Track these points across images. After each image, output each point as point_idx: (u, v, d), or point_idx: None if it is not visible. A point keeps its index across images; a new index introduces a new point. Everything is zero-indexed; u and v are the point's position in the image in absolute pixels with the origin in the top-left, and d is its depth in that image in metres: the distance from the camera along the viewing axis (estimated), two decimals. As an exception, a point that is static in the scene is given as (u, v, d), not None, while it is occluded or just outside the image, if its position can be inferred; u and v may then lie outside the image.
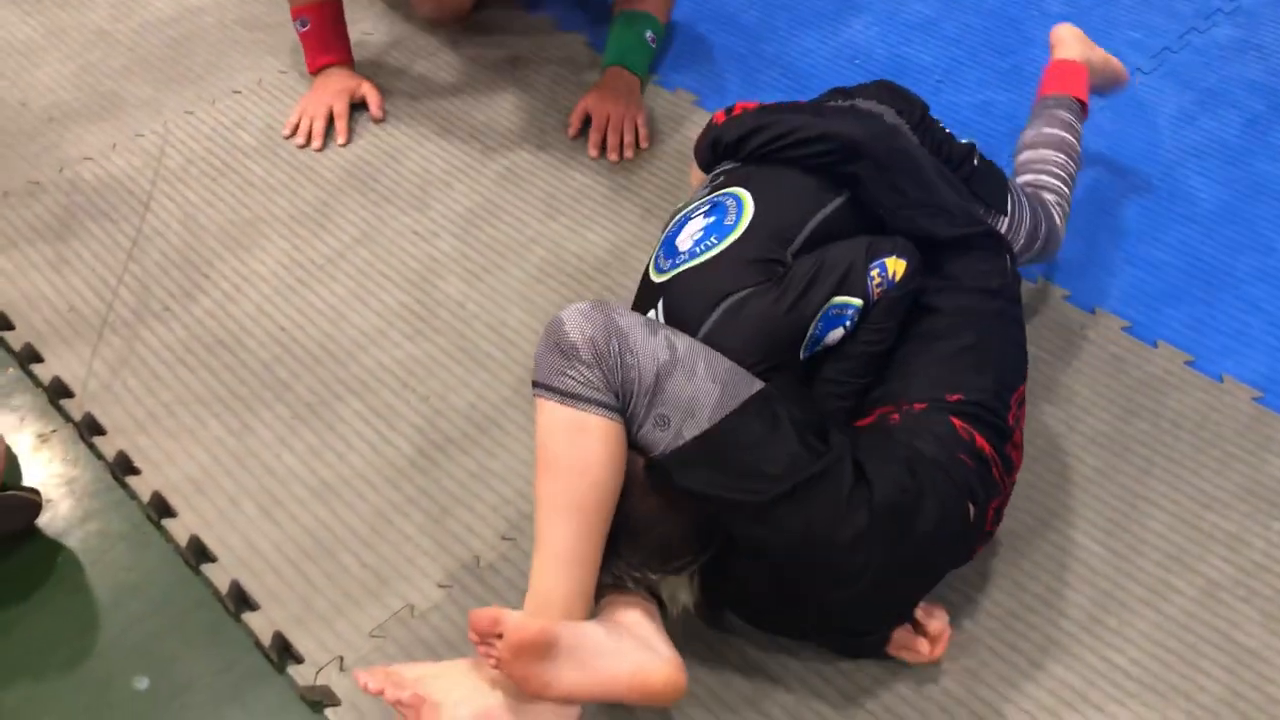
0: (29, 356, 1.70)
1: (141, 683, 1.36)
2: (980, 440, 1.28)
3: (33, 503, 1.48)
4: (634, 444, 1.23)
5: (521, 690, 1.14)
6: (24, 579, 1.46)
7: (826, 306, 1.31)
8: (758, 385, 1.24)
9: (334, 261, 1.83)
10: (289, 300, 1.77)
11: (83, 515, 1.52)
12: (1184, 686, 1.33)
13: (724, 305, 1.31)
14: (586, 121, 2.05)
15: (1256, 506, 1.51)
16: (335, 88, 2.07)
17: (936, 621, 1.31)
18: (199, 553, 1.47)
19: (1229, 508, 1.51)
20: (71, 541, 1.49)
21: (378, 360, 1.68)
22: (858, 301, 1.32)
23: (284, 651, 1.38)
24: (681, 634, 1.31)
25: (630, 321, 1.23)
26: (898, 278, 1.33)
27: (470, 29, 2.31)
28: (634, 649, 1.18)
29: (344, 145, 2.02)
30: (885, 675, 1.34)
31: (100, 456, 1.58)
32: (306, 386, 1.65)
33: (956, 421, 1.28)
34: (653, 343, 1.22)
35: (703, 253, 1.37)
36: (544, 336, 1.23)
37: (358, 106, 2.10)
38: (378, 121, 2.07)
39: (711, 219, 1.41)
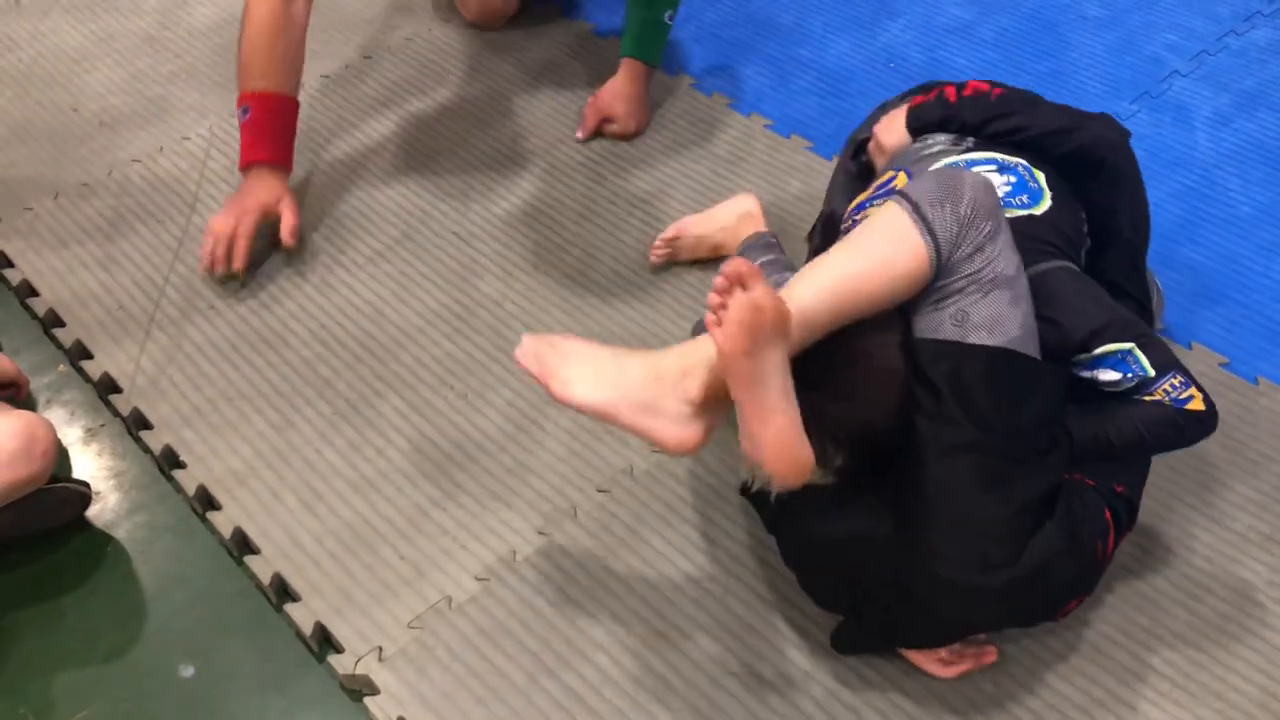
0: (79, 353, 1.75)
1: (187, 670, 1.39)
2: (1111, 538, 1.28)
3: (82, 495, 1.53)
4: (914, 313, 1.23)
5: (716, 381, 1.16)
6: (74, 569, 1.50)
7: (1127, 349, 1.28)
8: (1044, 362, 1.25)
9: (375, 261, 1.87)
10: (330, 299, 1.81)
11: (130, 508, 1.56)
12: (1216, 687, 1.33)
13: (1049, 265, 1.33)
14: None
15: (1292, 509, 1.51)
16: (250, 204, 1.81)
17: (967, 663, 1.33)
18: (242, 544, 1.51)
19: (1263, 509, 1.51)
20: (120, 533, 1.54)
21: (417, 358, 1.71)
22: (1149, 372, 1.27)
23: (324, 641, 1.41)
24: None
25: (1006, 226, 1.24)
26: (1165, 396, 1.28)
27: (509, 33, 2.35)
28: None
29: (239, 272, 1.80)
30: (912, 667, 1.35)
31: (147, 450, 1.62)
32: (347, 383, 1.69)
33: (1108, 514, 1.28)
34: (1011, 256, 1.23)
35: (1019, 207, 1.38)
36: (945, 172, 1.25)
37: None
38: (287, 247, 1.84)
39: (1013, 179, 1.42)
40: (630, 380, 1.19)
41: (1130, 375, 1.28)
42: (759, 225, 1.78)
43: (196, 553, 1.51)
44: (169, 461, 1.60)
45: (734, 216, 1.81)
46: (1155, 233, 1.80)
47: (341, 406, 1.65)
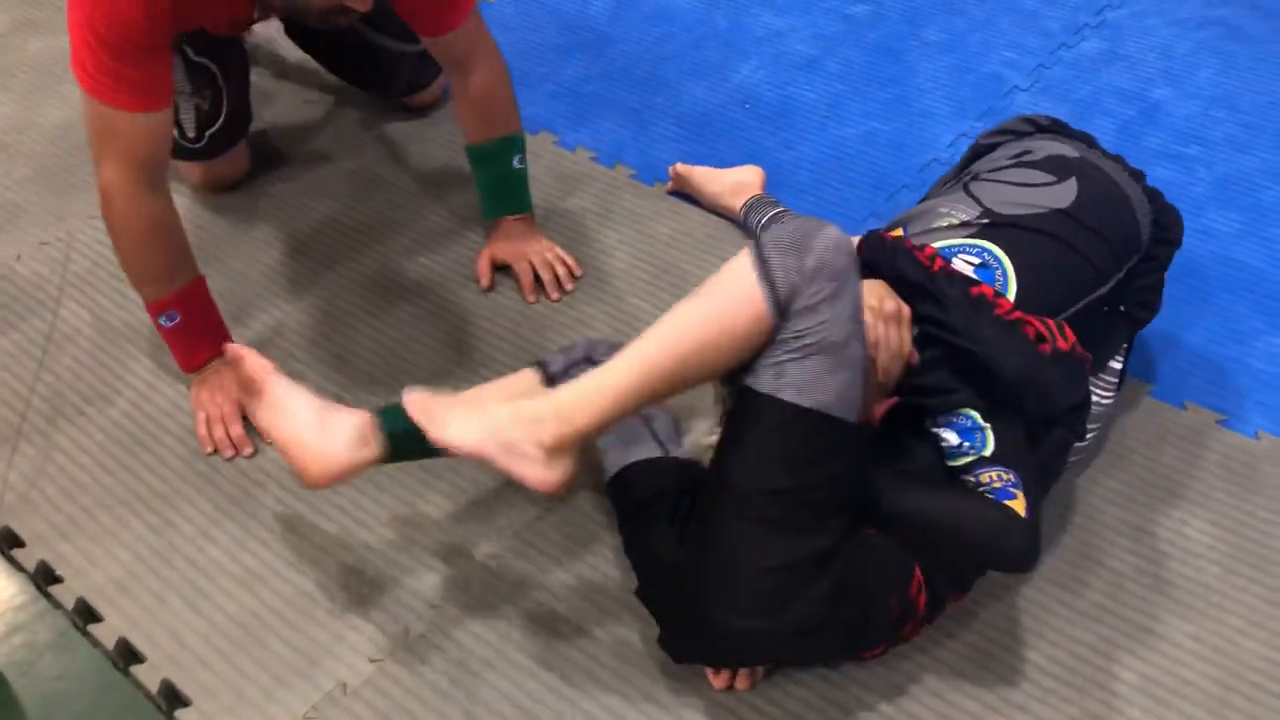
0: (-56, 476, 1.70)
1: (77, 792, 1.35)
2: (916, 591, 1.30)
3: (-45, 623, 1.48)
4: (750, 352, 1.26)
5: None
6: (-49, 700, 1.45)
7: (980, 424, 1.30)
8: (856, 426, 1.25)
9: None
10: (204, 393, 1.78)
11: (6, 630, 1.51)
12: (1099, 678, 1.38)
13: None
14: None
15: (1155, 497, 1.57)
16: (227, 391, 1.70)
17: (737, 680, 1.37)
18: (128, 654, 1.47)
19: (1131, 501, 1.57)
20: (-2, 657, 1.49)
21: (296, 443, 1.70)
22: (985, 452, 1.29)
23: (219, 744, 1.38)
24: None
25: (854, 292, 1.24)
26: (990, 483, 1.29)
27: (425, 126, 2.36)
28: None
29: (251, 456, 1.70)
30: (807, 679, 1.37)
31: (21, 569, 1.57)
32: (226, 477, 1.66)
33: (919, 570, 1.30)
34: (845, 325, 1.22)
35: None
36: (806, 223, 1.24)
37: None
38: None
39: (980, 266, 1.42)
40: (495, 422, 1.26)
41: (968, 446, 1.30)
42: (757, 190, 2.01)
43: (80, 668, 1.47)
44: (45, 577, 1.56)
45: (733, 183, 2.04)
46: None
47: (222, 502, 1.63)
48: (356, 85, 2.35)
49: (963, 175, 1.66)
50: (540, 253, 1.93)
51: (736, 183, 2.03)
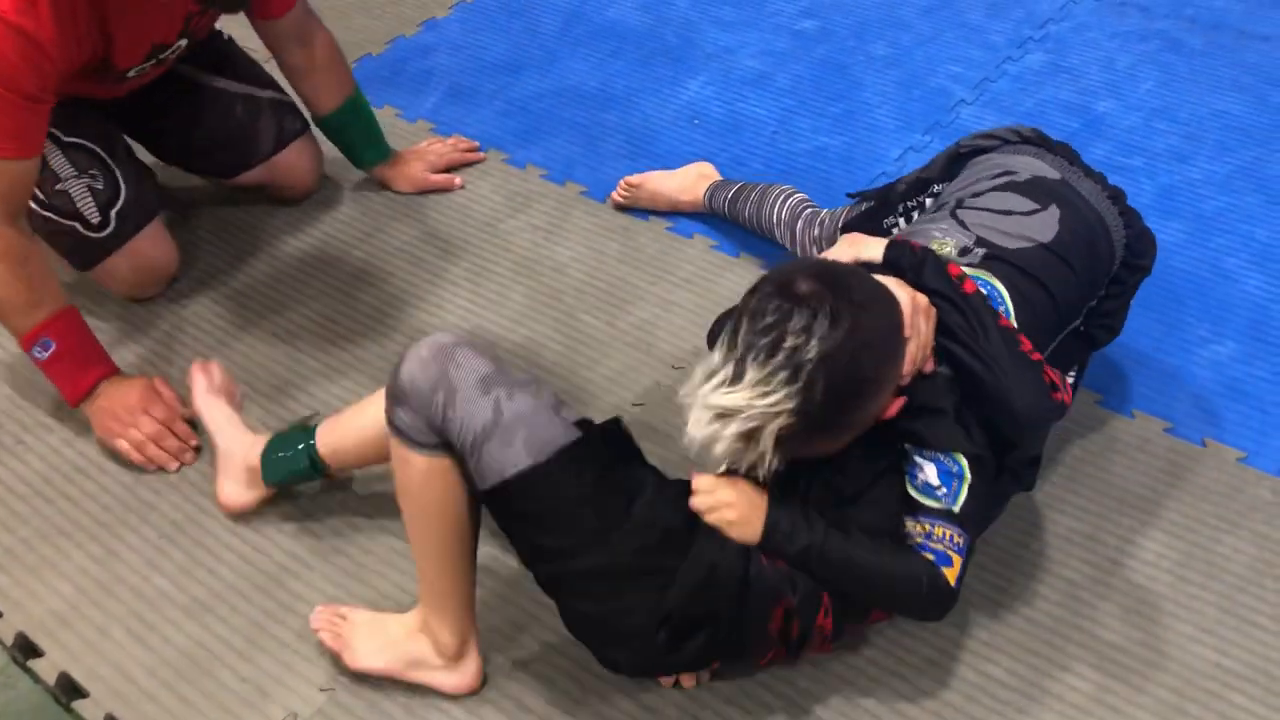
0: (-123, 509, 1.65)
1: (17, 834, 1.31)
2: (787, 607, 1.27)
3: (-112, 661, 1.43)
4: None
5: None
6: (-115, 742, 1.40)
7: (964, 461, 1.27)
8: (570, 442, 1.23)
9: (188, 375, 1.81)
10: (148, 418, 1.75)
11: (-57, 667, 1.47)
12: (1055, 689, 1.38)
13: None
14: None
15: (1106, 506, 1.58)
16: (132, 407, 1.66)
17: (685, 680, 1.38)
18: (70, 689, 1.43)
19: (1084, 511, 1.58)
20: (-66, 696, 1.44)
21: (243, 468, 1.67)
22: (954, 507, 1.27)
23: (165, 780, 1.35)
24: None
25: (466, 375, 1.24)
26: (937, 541, 1.27)
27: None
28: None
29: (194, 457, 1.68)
30: (768, 681, 1.36)
31: (-42, 604, 1.53)
32: (171, 504, 1.63)
33: (825, 597, 1.28)
34: (479, 405, 1.22)
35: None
36: (401, 376, 1.27)
37: None
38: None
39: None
40: (394, 640, 1.38)
41: (943, 493, 1.26)
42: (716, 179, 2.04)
43: (20, 705, 1.43)
44: (-17, 612, 1.52)
45: (693, 176, 2.07)
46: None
47: (167, 529, 1.60)
48: (206, 168, 2.10)
49: (943, 199, 1.60)
50: (437, 154, 2.16)
51: (699, 175, 2.07)
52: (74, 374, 1.65)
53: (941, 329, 1.30)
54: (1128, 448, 1.65)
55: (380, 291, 1.96)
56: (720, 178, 2.06)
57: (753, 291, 1.22)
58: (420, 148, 2.19)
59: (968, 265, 1.41)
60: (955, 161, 1.66)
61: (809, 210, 1.86)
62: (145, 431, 1.65)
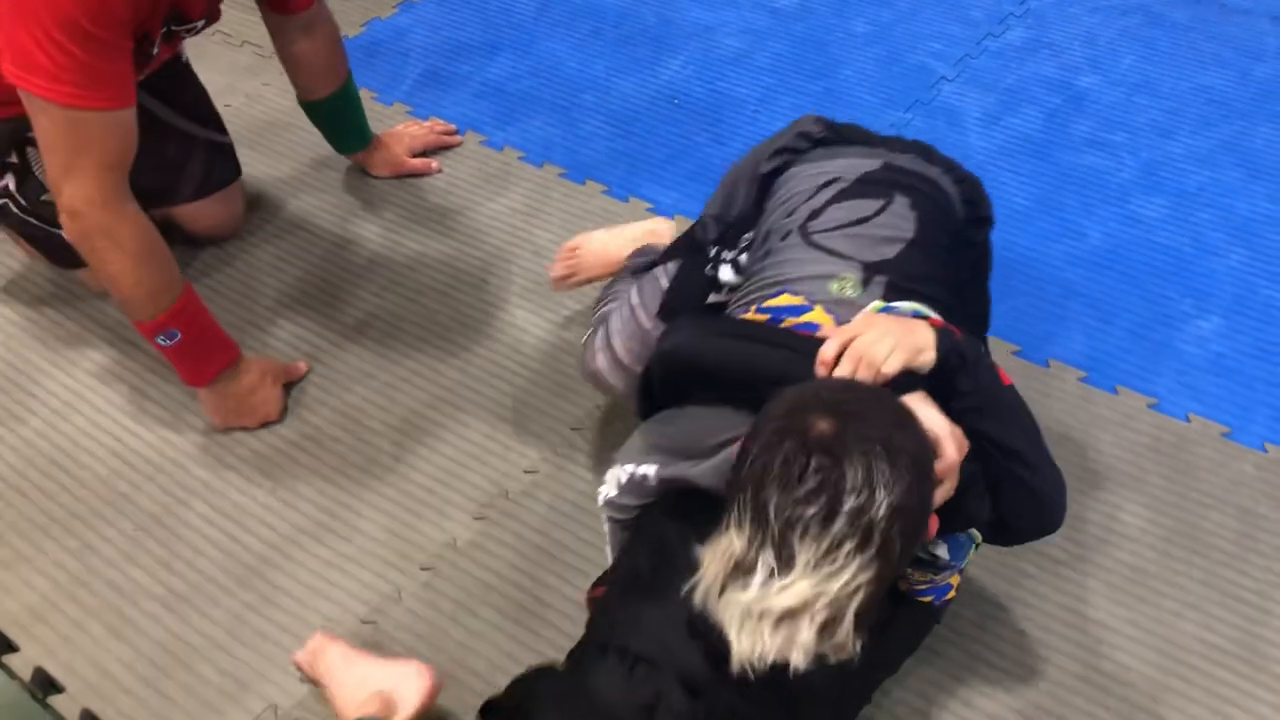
0: None
1: (-6, 832, 1.29)
2: None
3: None
4: None
5: None
6: None
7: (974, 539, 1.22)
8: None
9: (166, 368, 1.79)
10: (122, 409, 1.72)
11: (-83, 665, 1.45)
12: (1041, 668, 1.38)
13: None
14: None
15: (1090, 483, 1.57)
16: (258, 391, 1.68)
17: None
18: (46, 684, 1.40)
19: (1068, 487, 1.56)
20: (-92, 694, 1.42)
21: (219, 459, 1.65)
22: (963, 564, 1.22)
23: (145, 775, 1.33)
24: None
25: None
26: (940, 582, 1.23)
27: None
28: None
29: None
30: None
31: (-69, 600, 1.51)
32: (148, 496, 1.61)
33: None
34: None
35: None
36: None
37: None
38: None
39: None
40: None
41: (955, 563, 1.19)
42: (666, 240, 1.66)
43: (-4, 702, 1.41)
44: (-43, 608, 1.49)
45: (642, 231, 1.73)
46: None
47: (144, 521, 1.58)
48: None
49: (770, 227, 1.40)
50: (414, 137, 2.15)
51: (651, 231, 1.74)
52: (198, 364, 1.63)
53: (989, 439, 1.13)
54: (1112, 424, 1.65)
55: (356, 277, 1.94)
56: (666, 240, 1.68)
57: (752, 454, 0.99)
58: (397, 131, 2.16)
59: (888, 301, 1.24)
60: (760, 186, 1.48)
61: (633, 328, 1.46)
62: (250, 427, 1.69)
